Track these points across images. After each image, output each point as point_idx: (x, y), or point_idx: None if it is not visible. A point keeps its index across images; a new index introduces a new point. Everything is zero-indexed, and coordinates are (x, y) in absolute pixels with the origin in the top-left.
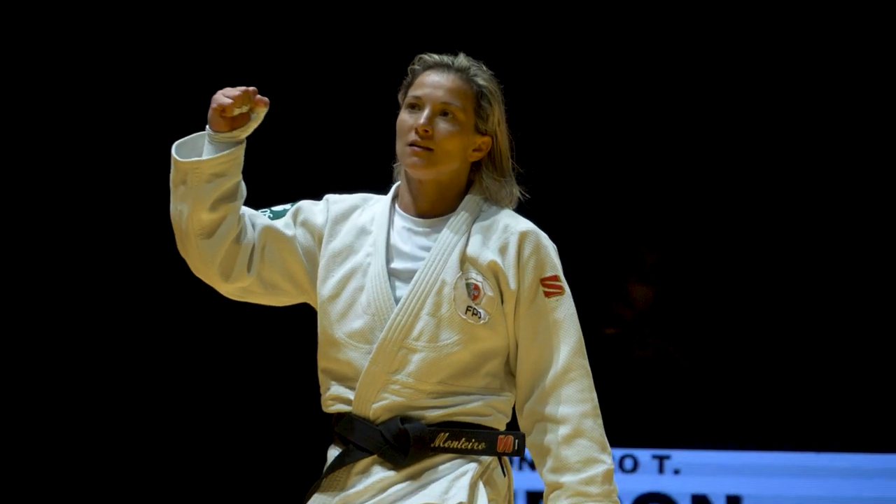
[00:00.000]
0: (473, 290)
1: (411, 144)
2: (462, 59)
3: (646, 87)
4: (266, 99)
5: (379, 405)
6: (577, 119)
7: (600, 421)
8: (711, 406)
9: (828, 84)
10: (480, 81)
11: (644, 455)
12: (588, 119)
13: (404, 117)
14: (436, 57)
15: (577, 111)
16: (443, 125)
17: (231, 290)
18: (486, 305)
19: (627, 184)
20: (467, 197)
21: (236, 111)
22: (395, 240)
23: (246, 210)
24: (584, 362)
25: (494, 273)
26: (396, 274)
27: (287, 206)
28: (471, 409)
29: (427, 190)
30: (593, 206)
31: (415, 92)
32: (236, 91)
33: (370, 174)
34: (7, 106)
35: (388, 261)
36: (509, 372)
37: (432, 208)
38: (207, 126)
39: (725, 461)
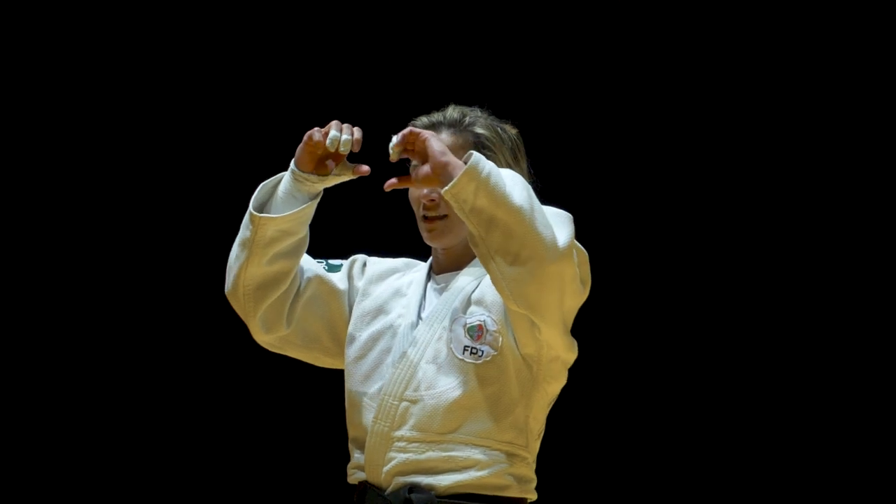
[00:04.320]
0: (476, 331)
1: (424, 219)
2: (452, 112)
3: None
4: (365, 168)
5: (388, 468)
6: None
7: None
8: None
9: None
10: (476, 129)
11: None
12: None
13: (412, 190)
14: (425, 119)
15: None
16: None
17: (269, 339)
18: (492, 342)
19: None
20: None
21: (330, 147)
22: (426, 302)
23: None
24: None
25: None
26: None
27: (344, 261)
28: (485, 480)
29: (449, 251)
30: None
31: (414, 164)
32: (341, 130)
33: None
34: (7, 106)
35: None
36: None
37: (455, 263)
38: (293, 160)
39: None
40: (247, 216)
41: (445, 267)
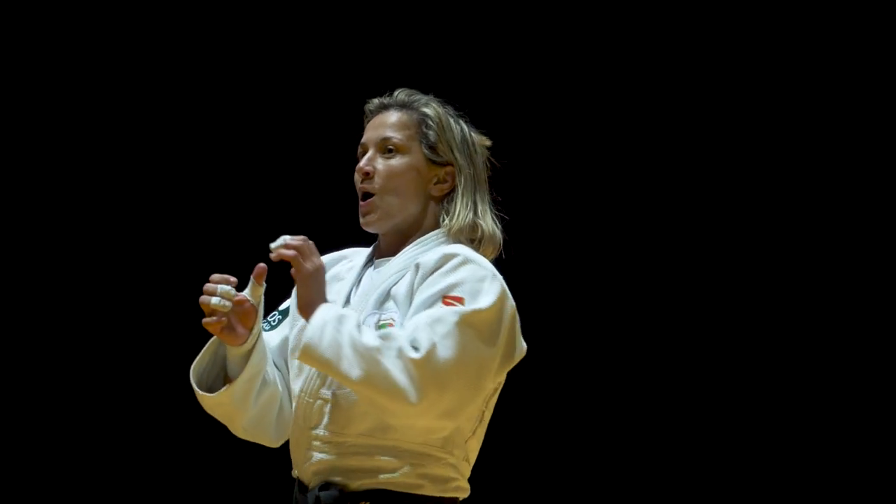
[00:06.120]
0: (388, 329)
1: (360, 198)
2: (401, 94)
3: None
4: (261, 268)
5: (308, 466)
6: None
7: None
8: None
9: None
10: (422, 109)
11: None
12: None
13: (356, 174)
14: (375, 101)
15: None
16: (385, 162)
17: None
18: None
19: None
20: (427, 235)
21: (225, 309)
22: (359, 287)
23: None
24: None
25: (412, 296)
26: None
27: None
28: (396, 480)
29: (387, 237)
30: None
31: (361, 142)
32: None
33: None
34: (7, 106)
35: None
36: (464, 429)
37: (391, 250)
38: (223, 346)
39: None
40: (210, 399)
41: (384, 252)
